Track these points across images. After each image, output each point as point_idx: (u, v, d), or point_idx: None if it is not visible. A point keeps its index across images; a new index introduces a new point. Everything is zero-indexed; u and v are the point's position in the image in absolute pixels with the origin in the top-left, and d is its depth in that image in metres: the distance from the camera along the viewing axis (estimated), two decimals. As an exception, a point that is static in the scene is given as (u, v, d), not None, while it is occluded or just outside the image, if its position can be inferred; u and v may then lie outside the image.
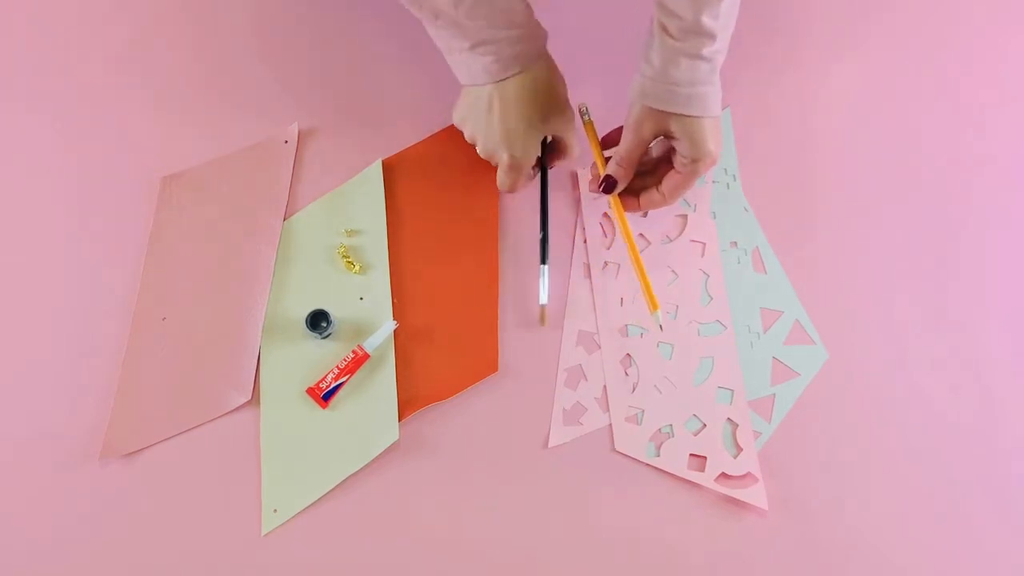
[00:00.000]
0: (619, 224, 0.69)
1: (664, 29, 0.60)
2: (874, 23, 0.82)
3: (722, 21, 0.60)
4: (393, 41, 0.80)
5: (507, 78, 0.64)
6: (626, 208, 0.69)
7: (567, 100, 0.69)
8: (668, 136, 0.64)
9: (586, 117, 0.71)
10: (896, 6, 0.83)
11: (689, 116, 0.62)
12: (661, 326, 0.68)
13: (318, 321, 0.68)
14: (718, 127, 0.64)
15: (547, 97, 0.67)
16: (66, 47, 0.80)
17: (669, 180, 0.66)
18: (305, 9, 0.82)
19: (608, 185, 0.68)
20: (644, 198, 0.69)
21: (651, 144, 0.66)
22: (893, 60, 0.80)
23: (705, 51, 0.60)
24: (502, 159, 0.68)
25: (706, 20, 0.58)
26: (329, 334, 0.69)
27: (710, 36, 0.59)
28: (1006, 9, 0.83)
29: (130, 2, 0.82)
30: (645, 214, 0.73)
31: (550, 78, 0.67)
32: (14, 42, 0.80)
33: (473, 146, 0.70)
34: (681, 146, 0.64)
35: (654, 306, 0.67)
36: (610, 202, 0.70)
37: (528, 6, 0.64)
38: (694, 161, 0.64)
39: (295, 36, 0.81)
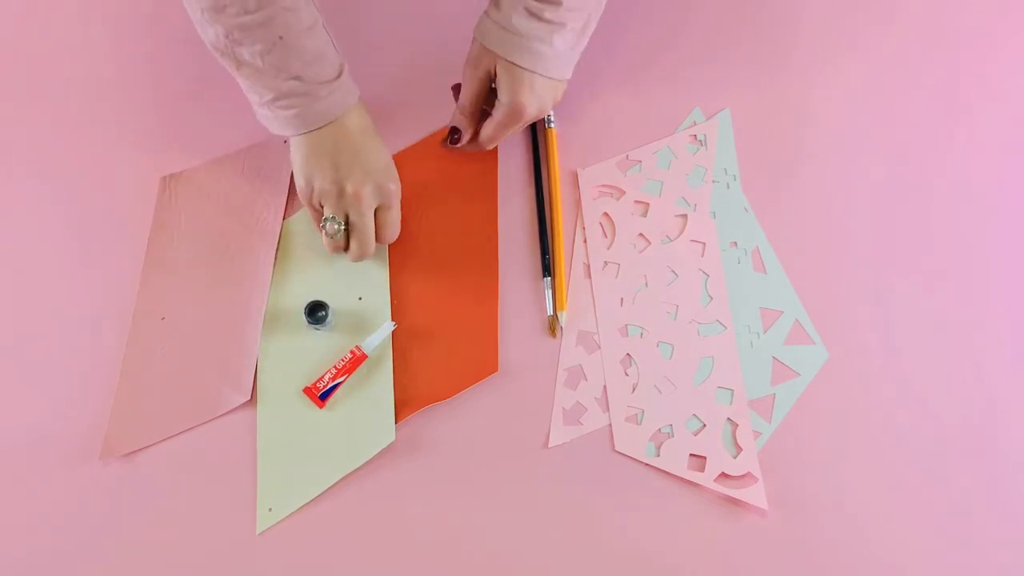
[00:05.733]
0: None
1: None
2: (873, 23, 0.82)
3: None
4: (392, 41, 0.80)
5: (321, 127, 0.64)
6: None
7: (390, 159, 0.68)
8: (493, 79, 0.67)
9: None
10: (895, 6, 0.83)
11: (516, 65, 0.65)
12: (562, 328, 0.70)
13: (316, 311, 0.68)
14: (548, 89, 0.67)
15: (369, 145, 0.66)
16: (66, 46, 0.80)
17: (485, 124, 0.70)
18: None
19: (453, 137, 0.72)
20: (468, 145, 0.73)
21: (489, 88, 0.69)
22: (892, 60, 0.80)
23: (547, 14, 0.63)
24: (356, 192, 0.65)
25: None
26: (328, 321, 0.68)
27: (554, 1, 0.63)
28: (1001, 10, 0.83)
29: (130, 1, 0.82)
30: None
31: (366, 129, 0.66)
32: (14, 41, 0.80)
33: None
34: (500, 90, 0.67)
35: (562, 306, 0.70)
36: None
37: (338, 64, 0.64)
38: (502, 105, 0.67)
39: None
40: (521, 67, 0.65)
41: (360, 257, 0.68)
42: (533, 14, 0.64)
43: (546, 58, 0.65)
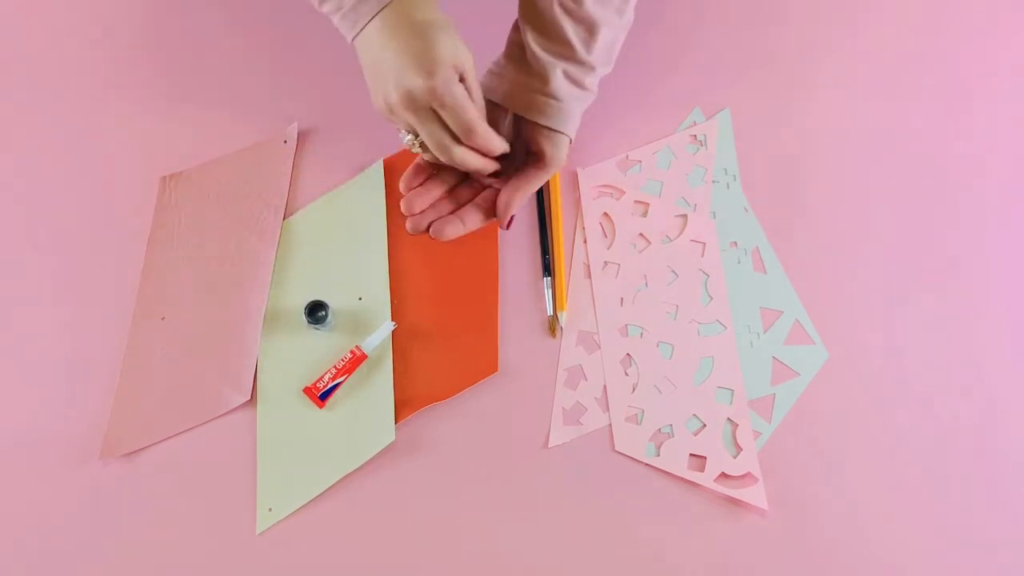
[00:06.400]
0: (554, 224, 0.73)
1: (544, 50, 0.61)
2: (873, 23, 0.82)
3: (595, 56, 0.62)
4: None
5: (372, 18, 0.56)
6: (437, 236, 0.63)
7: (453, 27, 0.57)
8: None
9: None
10: (895, 6, 0.83)
11: (556, 131, 0.63)
12: (562, 328, 0.70)
13: (316, 311, 0.68)
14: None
15: (431, 21, 0.56)
16: (67, 46, 0.80)
17: (513, 186, 0.64)
18: (305, 9, 0.82)
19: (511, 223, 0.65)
20: (467, 218, 0.64)
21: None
22: (892, 59, 0.80)
23: (587, 81, 0.62)
24: (439, 86, 0.54)
25: (585, 54, 0.61)
26: (328, 321, 0.68)
27: (588, 65, 0.62)
28: (1001, 10, 0.83)
29: (131, 2, 0.82)
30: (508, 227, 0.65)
31: (425, 4, 0.57)
32: (15, 40, 0.80)
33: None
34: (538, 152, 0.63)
35: (562, 306, 0.70)
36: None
37: None
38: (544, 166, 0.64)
39: (295, 36, 0.81)
40: (559, 132, 0.63)
41: (452, 162, 0.59)
42: (574, 81, 0.62)
43: (573, 118, 0.64)
